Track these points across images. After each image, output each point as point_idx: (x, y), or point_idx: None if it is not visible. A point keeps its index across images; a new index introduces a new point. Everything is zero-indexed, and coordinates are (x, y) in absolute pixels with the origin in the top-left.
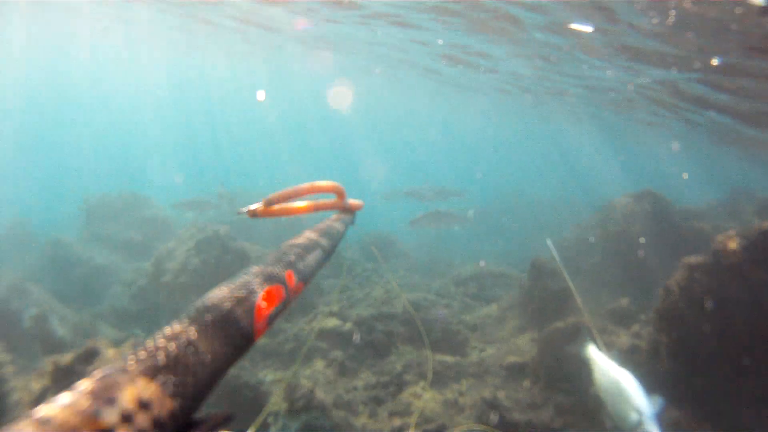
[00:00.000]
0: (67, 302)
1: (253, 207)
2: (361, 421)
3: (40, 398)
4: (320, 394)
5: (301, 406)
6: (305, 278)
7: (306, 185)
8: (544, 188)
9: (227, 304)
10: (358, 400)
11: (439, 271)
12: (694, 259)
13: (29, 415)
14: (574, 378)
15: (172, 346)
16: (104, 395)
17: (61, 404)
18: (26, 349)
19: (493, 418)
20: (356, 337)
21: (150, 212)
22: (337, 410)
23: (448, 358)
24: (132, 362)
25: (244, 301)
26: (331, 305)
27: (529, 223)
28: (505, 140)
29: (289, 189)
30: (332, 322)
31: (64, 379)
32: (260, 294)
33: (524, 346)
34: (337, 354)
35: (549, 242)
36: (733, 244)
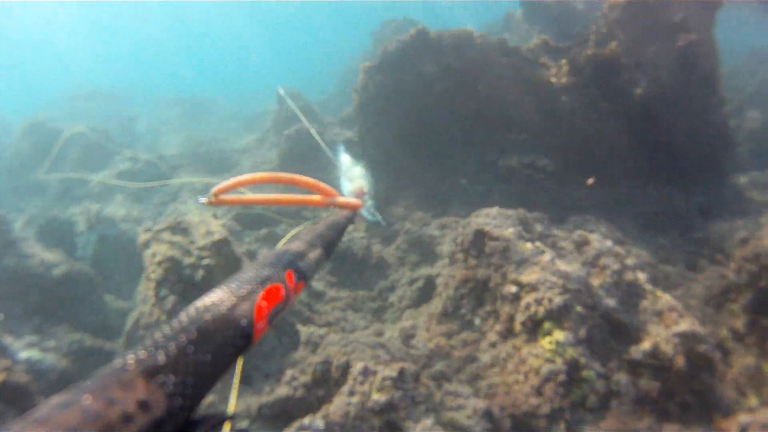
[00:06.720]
0: None
1: (208, 196)
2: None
3: None
4: (111, 212)
5: (95, 222)
6: (305, 277)
7: (264, 174)
8: None
9: (227, 304)
10: (146, 217)
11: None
12: (366, 64)
13: (27, 416)
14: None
15: (173, 346)
16: (104, 395)
17: (59, 404)
18: None
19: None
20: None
21: None
22: (126, 223)
23: (216, 179)
24: (132, 362)
25: (244, 300)
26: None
27: None
28: None
29: (240, 178)
30: (128, 154)
31: None
32: (260, 293)
33: (273, 157)
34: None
35: (279, 88)
36: (391, 47)
